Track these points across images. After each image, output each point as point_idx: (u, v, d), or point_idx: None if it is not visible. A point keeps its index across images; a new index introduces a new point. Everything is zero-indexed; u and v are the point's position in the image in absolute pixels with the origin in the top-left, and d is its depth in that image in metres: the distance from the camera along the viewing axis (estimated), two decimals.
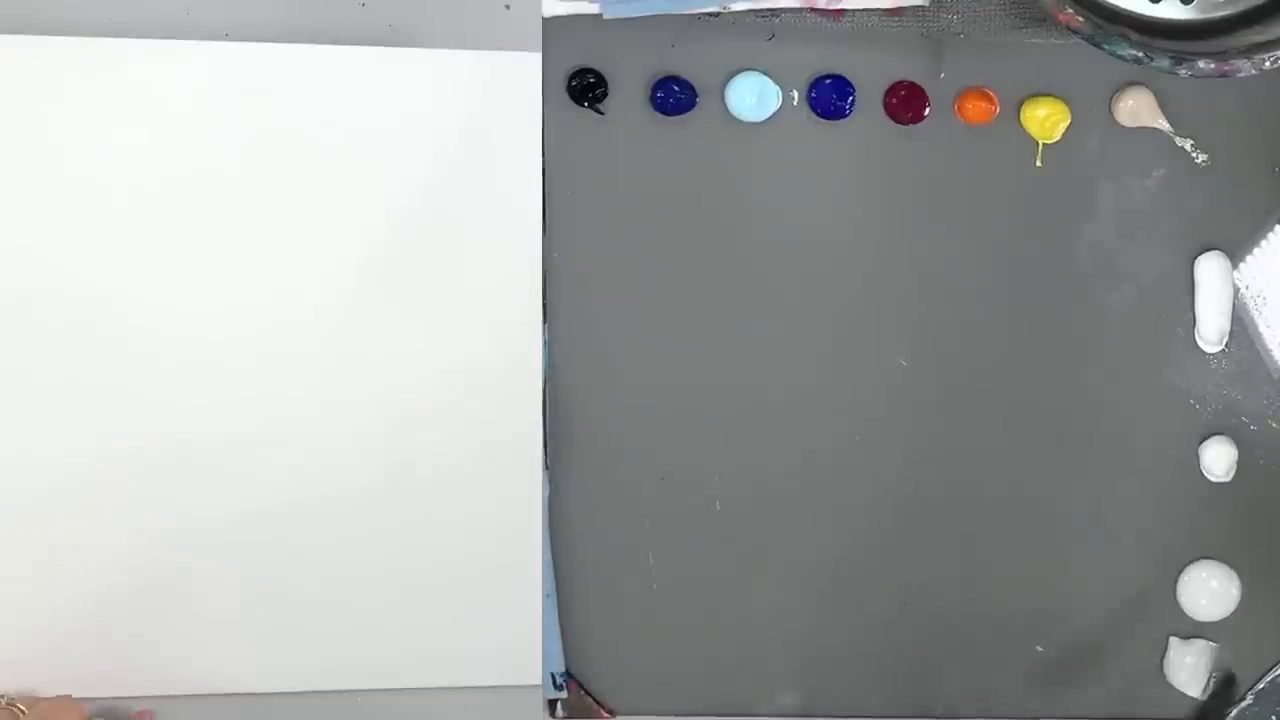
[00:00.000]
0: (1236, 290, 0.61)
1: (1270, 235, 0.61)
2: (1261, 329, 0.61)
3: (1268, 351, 0.61)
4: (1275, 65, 0.52)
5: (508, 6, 0.59)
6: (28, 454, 0.57)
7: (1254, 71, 0.52)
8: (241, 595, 0.58)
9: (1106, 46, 0.52)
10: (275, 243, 0.58)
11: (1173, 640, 0.62)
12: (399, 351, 0.59)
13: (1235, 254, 0.61)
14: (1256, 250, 0.61)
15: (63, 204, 0.57)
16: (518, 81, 0.59)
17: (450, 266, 0.59)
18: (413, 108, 0.58)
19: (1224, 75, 0.52)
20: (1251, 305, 0.61)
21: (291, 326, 0.58)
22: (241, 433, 0.58)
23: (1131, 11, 0.56)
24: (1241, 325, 0.61)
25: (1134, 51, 0.52)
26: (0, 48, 0.56)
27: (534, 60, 0.59)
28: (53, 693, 0.57)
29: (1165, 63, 0.52)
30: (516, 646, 0.60)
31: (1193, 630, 0.62)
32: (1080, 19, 0.52)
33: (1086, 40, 0.53)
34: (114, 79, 0.57)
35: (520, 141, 0.59)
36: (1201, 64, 0.52)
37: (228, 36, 0.58)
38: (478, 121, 0.59)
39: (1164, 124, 0.60)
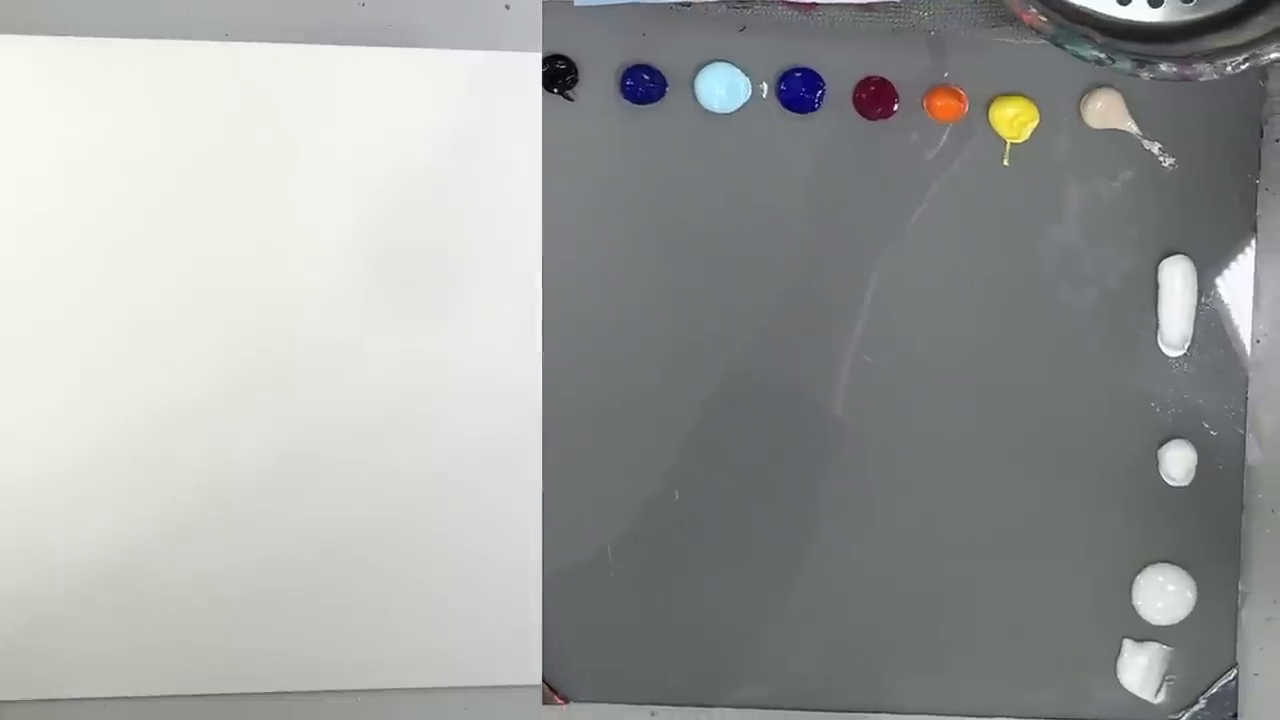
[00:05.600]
0: (1200, 295, 0.61)
1: (1236, 240, 0.61)
2: (1224, 334, 0.61)
3: (1230, 357, 0.61)
4: (1237, 70, 0.52)
5: (508, 6, 0.59)
6: (18, 454, 0.57)
7: (1215, 76, 0.52)
8: (240, 595, 0.58)
9: (1069, 47, 0.52)
10: (274, 243, 0.58)
11: (1126, 643, 0.62)
12: (397, 352, 0.59)
13: (1200, 258, 0.61)
14: (1221, 255, 0.61)
15: (63, 204, 0.57)
16: (518, 81, 0.59)
17: (451, 267, 0.59)
18: (413, 108, 0.58)
19: (1185, 79, 0.52)
20: (1215, 310, 0.61)
21: (290, 326, 0.58)
22: (237, 431, 0.58)
23: (1099, 14, 0.56)
24: (1204, 330, 0.61)
25: (1096, 53, 0.52)
26: (0, 48, 0.56)
27: (534, 60, 0.59)
28: (45, 692, 0.57)
29: (1127, 65, 0.52)
30: (515, 646, 0.60)
31: (1147, 633, 0.62)
32: (1043, 19, 0.52)
33: (1049, 40, 0.53)
34: (114, 79, 0.57)
35: (520, 141, 0.59)
36: (1163, 67, 0.52)
37: (228, 36, 0.58)
38: (478, 121, 0.59)
39: (1132, 127, 0.60)
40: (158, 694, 0.58)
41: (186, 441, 0.58)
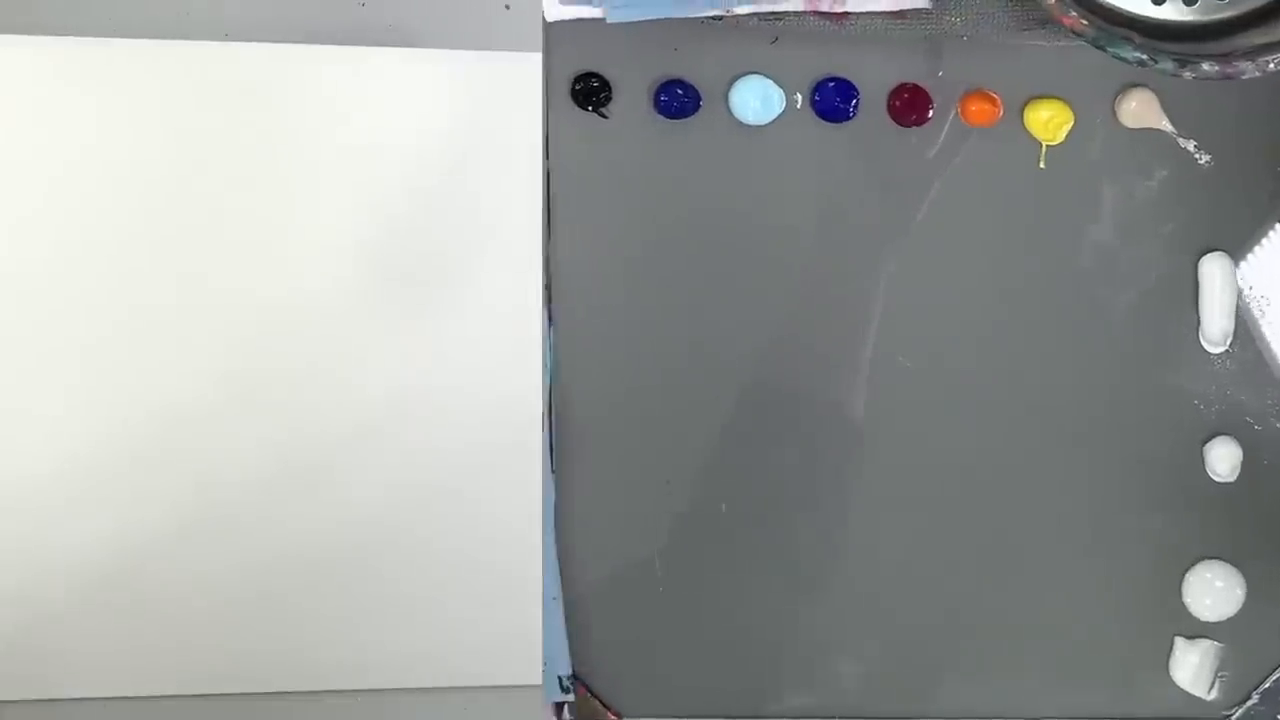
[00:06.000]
0: (1240, 291, 0.61)
1: (1274, 236, 0.61)
2: (1265, 329, 0.61)
3: (1272, 352, 0.61)
4: (1279, 67, 0.52)
5: (508, 7, 0.59)
6: (18, 454, 0.57)
7: (1257, 73, 0.52)
8: (240, 595, 0.58)
9: (1110, 49, 0.52)
10: (274, 243, 0.58)
11: (1178, 640, 0.62)
12: (399, 353, 0.59)
13: (1239, 255, 0.61)
14: (1260, 251, 0.61)
15: (63, 204, 0.57)
16: (518, 82, 0.59)
17: (451, 267, 0.59)
18: (413, 108, 0.58)
19: (1227, 77, 0.52)
20: (1255, 306, 0.61)
21: (291, 327, 0.58)
22: (237, 431, 0.58)
23: (1135, 14, 0.56)
24: (1245, 326, 0.61)
25: (1138, 54, 0.52)
26: (0, 48, 0.56)
27: (534, 61, 0.59)
28: (45, 692, 0.57)
29: (1169, 65, 0.52)
30: (517, 646, 0.60)
31: (1198, 630, 0.62)
32: (1084, 22, 0.52)
33: (1090, 43, 0.53)
34: (114, 79, 0.57)
35: (521, 142, 0.59)
36: (1205, 66, 0.52)
37: (228, 36, 0.58)
38: (478, 122, 0.59)
39: (1167, 125, 0.60)
40: (158, 694, 0.58)
41: (186, 441, 0.58)
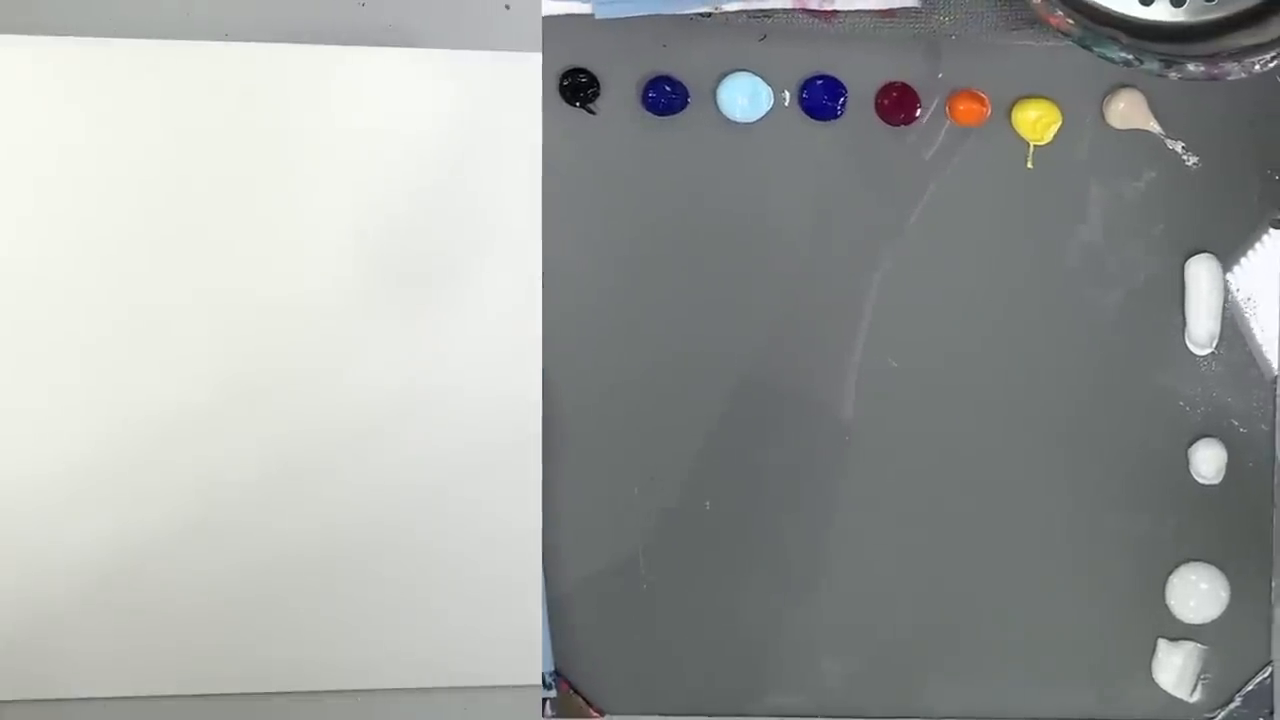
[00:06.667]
0: (1226, 293, 0.61)
1: (1261, 238, 0.61)
2: (1253, 331, 0.61)
3: (1258, 354, 0.61)
4: (1265, 69, 0.52)
5: (508, 6, 0.59)
6: (19, 454, 0.57)
7: (1243, 75, 0.52)
8: (240, 595, 0.58)
9: (1097, 49, 0.52)
10: (274, 243, 0.58)
11: (1161, 642, 0.62)
12: (399, 353, 0.59)
13: (1226, 256, 0.61)
14: (1247, 253, 0.61)
15: (63, 205, 0.57)
16: (518, 81, 0.59)
17: (451, 267, 0.59)
18: (413, 108, 0.58)
19: (1213, 78, 0.52)
20: (1242, 308, 0.61)
21: (290, 327, 0.58)
22: (236, 432, 0.58)
23: (1122, 14, 0.56)
24: (1232, 328, 0.61)
25: (1124, 54, 0.52)
26: (0, 48, 0.56)
27: (534, 60, 0.59)
28: (45, 692, 0.57)
29: (1155, 65, 0.52)
30: (516, 646, 0.60)
31: (1181, 632, 0.62)
32: (1070, 22, 0.52)
33: (1076, 43, 0.53)
34: (114, 79, 0.57)
35: (520, 141, 0.59)
36: (1191, 67, 0.52)
37: (228, 36, 0.58)
38: (478, 121, 0.59)
39: (1155, 126, 0.60)
40: (158, 694, 0.58)
41: (186, 442, 0.58)
